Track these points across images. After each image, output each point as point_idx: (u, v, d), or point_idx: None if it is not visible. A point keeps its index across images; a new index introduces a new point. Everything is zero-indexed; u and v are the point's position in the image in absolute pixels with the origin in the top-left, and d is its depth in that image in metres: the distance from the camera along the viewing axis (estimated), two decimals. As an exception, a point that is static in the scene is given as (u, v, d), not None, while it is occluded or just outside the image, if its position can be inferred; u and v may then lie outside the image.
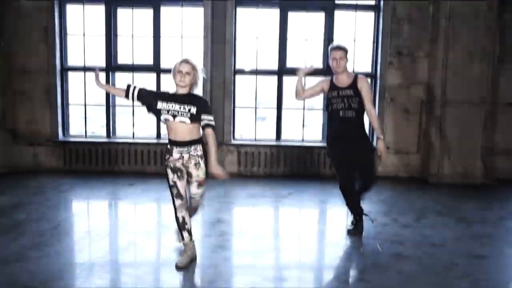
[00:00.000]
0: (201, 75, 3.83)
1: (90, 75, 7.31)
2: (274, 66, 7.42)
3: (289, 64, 7.37)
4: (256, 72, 7.47)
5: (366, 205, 5.08)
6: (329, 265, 4.18)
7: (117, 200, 6.03)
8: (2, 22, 6.98)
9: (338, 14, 7.32)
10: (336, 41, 5.05)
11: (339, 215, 5.43)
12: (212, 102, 6.98)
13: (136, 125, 7.58)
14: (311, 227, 5.16)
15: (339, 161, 4.69)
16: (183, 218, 3.82)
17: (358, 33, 7.35)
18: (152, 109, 3.80)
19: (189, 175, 3.82)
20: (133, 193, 6.22)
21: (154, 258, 4.22)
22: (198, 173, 3.80)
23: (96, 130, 8.74)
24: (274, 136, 7.58)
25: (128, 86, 3.91)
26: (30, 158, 7.41)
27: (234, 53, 7.31)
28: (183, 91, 3.75)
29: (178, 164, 3.79)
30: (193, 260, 3.92)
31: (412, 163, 7.37)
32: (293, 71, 7.29)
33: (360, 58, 7.39)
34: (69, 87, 7.58)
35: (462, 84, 6.84)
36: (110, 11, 7.34)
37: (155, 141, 7.45)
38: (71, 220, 5.25)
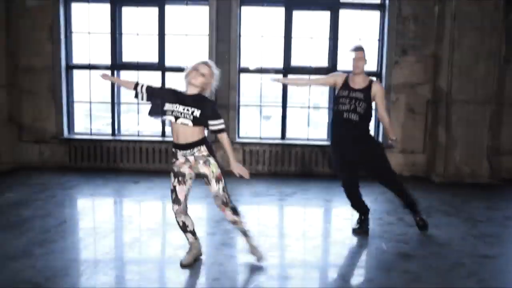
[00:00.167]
0: (215, 83, 3.71)
1: (95, 73, 7.36)
2: (279, 65, 7.41)
3: (294, 62, 7.36)
4: (261, 71, 7.47)
5: (371, 204, 5.07)
6: (334, 264, 4.16)
7: (122, 197, 6.04)
8: (8, 20, 6.99)
9: (343, 12, 7.31)
10: (356, 42, 4.96)
11: (344, 213, 5.41)
12: (216, 101, 6.97)
13: (141, 123, 7.59)
14: (316, 226, 5.15)
15: (341, 162, 4.69)
16: (183, 222, 3.79)
17: (363, 32, 7.33)
18: (157, 110, 3.69)
19: (204, 176, 3.67)
20: (138, 190, 6.23)
21: (159, 255, 4.22)
22: (212, 170, 3.63)
23: (101, 128, 8.75)
24: (279, 135, 7.57)
25: (137, 83, 3.80)
26: (36, 155, 7.44)
27: (239, 52, 7.31)
28: (192, 91, 3.63)
29: (184, 169, 3.68)
30: (198, 258, 3.91)
31: (417, 162, 7.35)
32: (298, 70, 7.37)
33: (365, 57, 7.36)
34: (74, 85, 7.61)
35: (468, 84, 6.82)
36: (115, 9, 7.35)
37: (160, 139, 7.46)
38: (76, 217, 5.26)
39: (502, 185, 6.94)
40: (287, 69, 7.34)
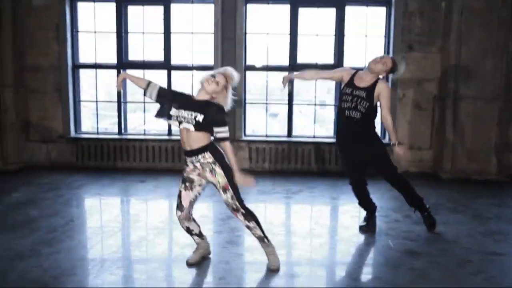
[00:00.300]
0: (229, 95, 3.56)
1: (101, 72, 7.39)
2: (285, 62, 7.39)
3: (300, 60, 7.33)
4: (267, 68, 7.46)
5: (378, 201, 5.05)
6: (341, 261, 4.15)
7: (128, 196, 6.06)
8: (14, 19, 7.02)
9: (349, 9, 7.27)
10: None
11: (350, 211, 5.40)
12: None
13: (148, 122, 7.60)
14: (323, 224, 5.14)
15: (345, 160, 4.70)
16: (187, 227, 3.77)
17: (369, 28, 7.29)
18: (163, 113, 3.64)
19: (213, 184, 3.62)
20: (145, 189, 6.24)
21: (166, 254, 4.23)
22: (218, 180, 3.54)
23: (108, 127, 8.78)
24: (285, 132, 7.56)
25: (149, 82, 3.71)
26: (43, 154, 7.48)
27: (244, 50, 7.30)
28: (202, 96, 3.54)
29: (193, 175, 3.63)
30: (205, 257, 3.91)
31: (424, 158, 7.32)
32: (304, 67, 7.33)
33: (371, 54, 7.32)
34: (81, 84, 7.63)
35: (475, 80, 6.77)
36: (121, 8, 7.36)
37: (166, 137, 7.46)
38: (83, 216, 5.29)
39: (510, 182, 6.89)
40: (293, 67, 7.32)
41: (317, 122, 7.69)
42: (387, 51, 7.27)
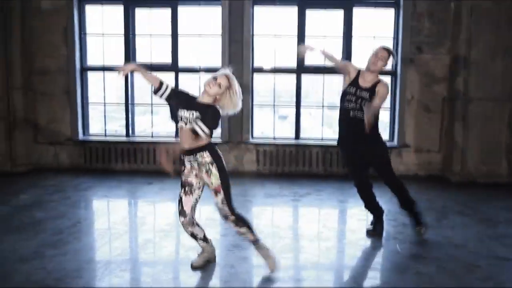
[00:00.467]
0: (233, 98, 3.51)
1: (109, 75, 7.40)
2: (293, 64, 7.36)
3: (308, 62, 7.30)
4: (274, 71, 7.44)
5: (386, 205, 5.01)
6: (348, 265, 4.12)
7: (135, 198, 6.07)
8: (22, 22, 7.06)
9: (357, 11, 7.23)
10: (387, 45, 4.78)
11: (358, 215, 5.36)
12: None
13: (155, 124, 7.61)
14: (330, 227, 5.10)
15: (347, 161, 4.69)
16: (192, 232, 3.75)
17: (377, 30, 7.25)
18: (173, 114, 3.63)
19: (207, 185, 3.62)
20: (152, 191, 6.25)
21: (172, 256, 4.22)
22: (212, 181, 3.54)
23: (116, 129, 8.80)
24: (293, 135, 7.52)
25: (162, 82, 3.71)
26: (51, 157, 7.51)
27: (252, 52, 7.28)
28: (205, 99, 3.52)
29: (191, 178, 3.64)
30: (210, 261, 3.89)
31: (433, 161, 7.25)
32: (312, 70, 7.32)
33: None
34: (89, 87, 7.66)
35: (485, 81, 6.70)
36: (128, 11, 7.38)
37: (174, 140, 7.46)
38: (90, 218, 5.29)
39: (521, 184, 6.81)
40: (301, 69, 7.29)
41: (325, 125, 7.65)
42: (395, 52, 7.19)
